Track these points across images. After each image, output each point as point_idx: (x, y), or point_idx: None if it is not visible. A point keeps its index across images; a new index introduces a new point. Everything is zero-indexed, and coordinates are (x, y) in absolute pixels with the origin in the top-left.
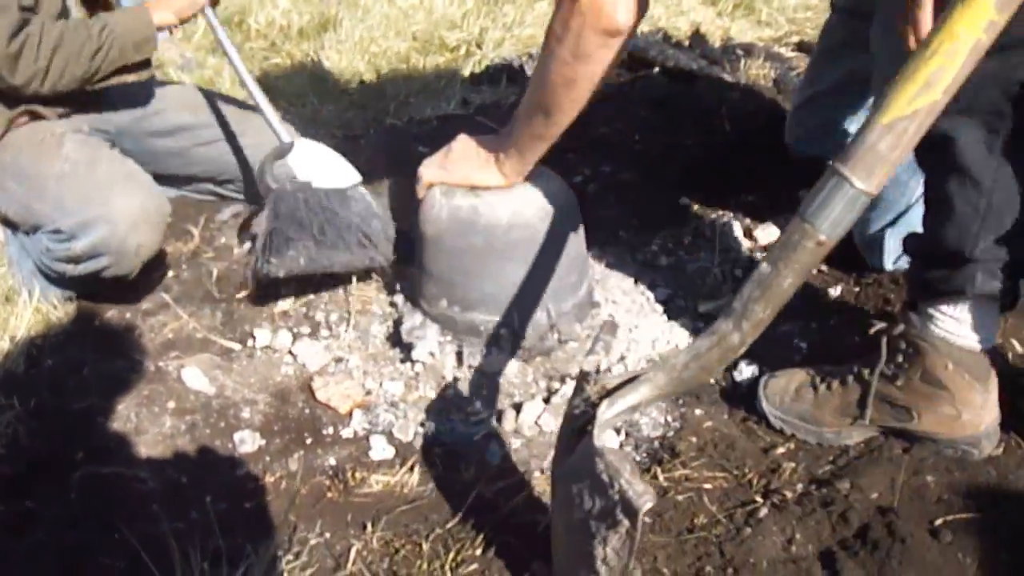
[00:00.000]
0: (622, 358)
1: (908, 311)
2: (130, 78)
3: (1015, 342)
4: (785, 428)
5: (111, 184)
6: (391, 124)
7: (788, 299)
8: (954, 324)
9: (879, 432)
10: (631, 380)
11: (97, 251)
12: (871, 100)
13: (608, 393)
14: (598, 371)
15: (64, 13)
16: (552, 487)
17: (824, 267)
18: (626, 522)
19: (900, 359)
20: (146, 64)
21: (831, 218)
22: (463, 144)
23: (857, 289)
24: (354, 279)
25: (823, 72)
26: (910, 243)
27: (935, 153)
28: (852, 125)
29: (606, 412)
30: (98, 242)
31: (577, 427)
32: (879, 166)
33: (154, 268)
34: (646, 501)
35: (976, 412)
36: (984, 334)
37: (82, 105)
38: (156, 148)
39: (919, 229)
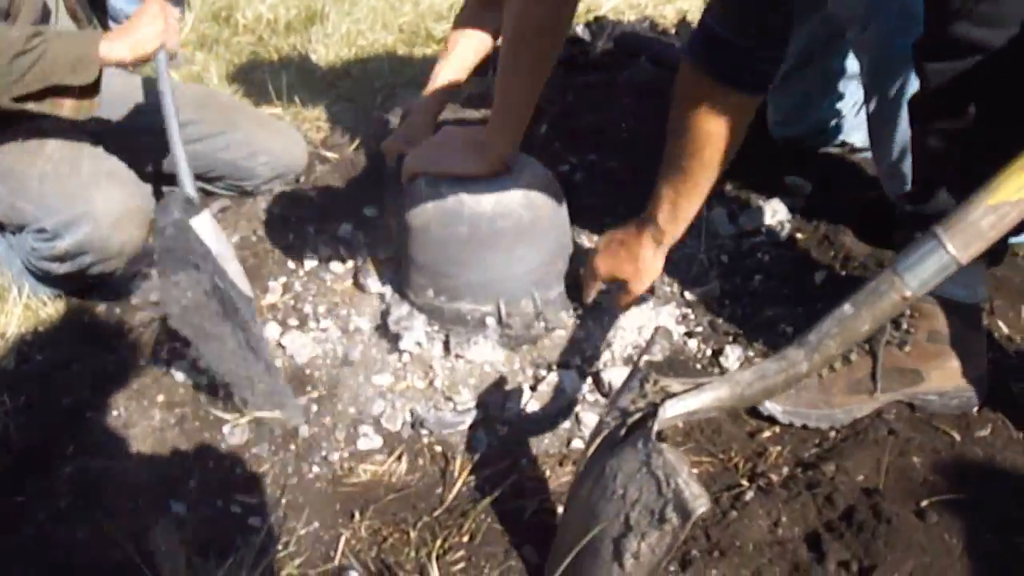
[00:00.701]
0: (608, 344)
1: None
2: (66, 103)
3: (1001, 323)
4: (795, 420)
5: (94, 182)
6: (378, 116)
7: (861, 340)
8: (950, 283)
9: (885, 402)
10: (694, 388)
11: (81, 249)
12: (840, 71)
13: (669, 396)
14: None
15: (45, 16)
16: (580, 475)
17: (811, 253)
18: (676, 521)
19: (905, 326)
20: (91, 92)
21: (921, 278)
22: (447, 134)
23: (843, 274)
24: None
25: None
26: (906, 207)
27: (951, 121)
28: (824, 101)
29: (667, 412)
30: (82, 240)
31: (631, 423)
32: (976, 241)
33: (143, 263)
34: (701, 504)
35: (977, 359)
36: (977, 289)
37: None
38: (142, 146)
39: None
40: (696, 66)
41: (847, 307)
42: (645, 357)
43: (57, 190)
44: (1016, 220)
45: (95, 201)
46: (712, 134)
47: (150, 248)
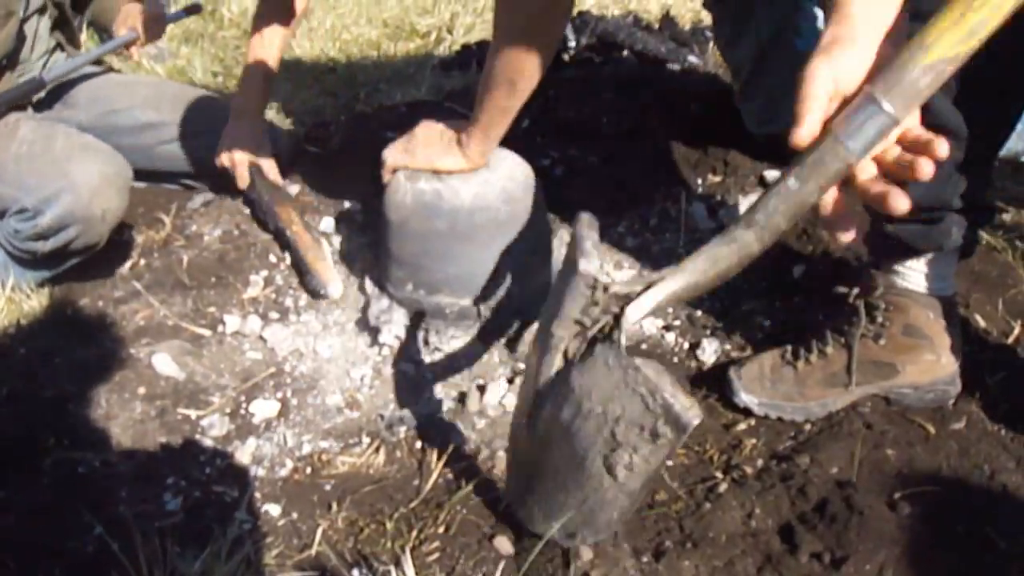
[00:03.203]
0: None
1: (875, 271)
2: None
3: (978, 317)
4: (771, 413)
5: (69, 155)
6: (361, 111)
7: (806, 210)
8: (922, 277)
9: (860, 396)
10: (646, 286)
11: (64, 223)
12: (800, 61)
13: (625, 302)
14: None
15: (23, 34)
16: (530, 397)
17: (790, 246)
18: (670, 434)
19: (880, 319)
20: None
21: (863, 141)
22: (426, 128)
23: (821, 268)
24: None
25: (736, 62)
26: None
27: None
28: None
29: (629, 320)
30: (63, 213)
31: (591, 335)
32: (915, 100)
33: (126, 256)
34: (695, 415)
35: (952, 352)
36: (950, 281)
37: (45, 102)
38: (120, 145)
39: None
40: None
41: (791, 181)
42: (582, 261)
43: (33, 168)
44: (950, 74)
45: (72, 172)
46: None
47: None
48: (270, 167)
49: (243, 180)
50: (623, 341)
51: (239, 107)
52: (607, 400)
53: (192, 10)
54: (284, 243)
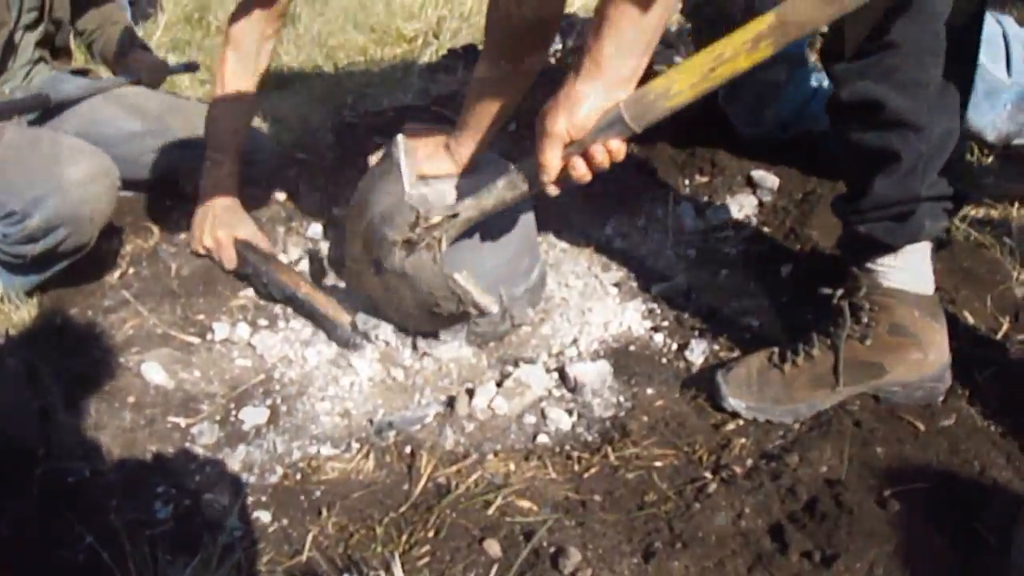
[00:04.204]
0: (574, 341)
1: (858, 271)
2: None
3: (967, 314)
4: (759, 416)
5: (55, 157)
6: (349, 116)
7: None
8: (903, 274)
9: (848, 396)
10: (448, 218)
11: (53, 223)
12: (786, 62)
13: (440, 228)
14: None
15: (9, 45)
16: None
17: (778, 246)
18: (475, 312)
19: (865, 319)
20: None
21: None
22: (412, 134)
23: (810, 267)
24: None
25: None
26: (843, 207)
27: (869, 117)
28: (779, 96)
29: (444, 246)
30: (52, 214)
31: (418, 248)
32: (650, 123)
33: (115, 265)
34: (492, 307)
35: (939, 349)
36: (931, 276)
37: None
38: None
39: None
40: None
41: None
42: (409, 192)
43: (20, 171)
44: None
45: (60, 174)
46: None
47: None
48: (256, 236)
49: (231, 261)
50: (441, 259)
51: (210, 183)
52: (431, 286)
53: (191, 67)
54: (298, 307)
